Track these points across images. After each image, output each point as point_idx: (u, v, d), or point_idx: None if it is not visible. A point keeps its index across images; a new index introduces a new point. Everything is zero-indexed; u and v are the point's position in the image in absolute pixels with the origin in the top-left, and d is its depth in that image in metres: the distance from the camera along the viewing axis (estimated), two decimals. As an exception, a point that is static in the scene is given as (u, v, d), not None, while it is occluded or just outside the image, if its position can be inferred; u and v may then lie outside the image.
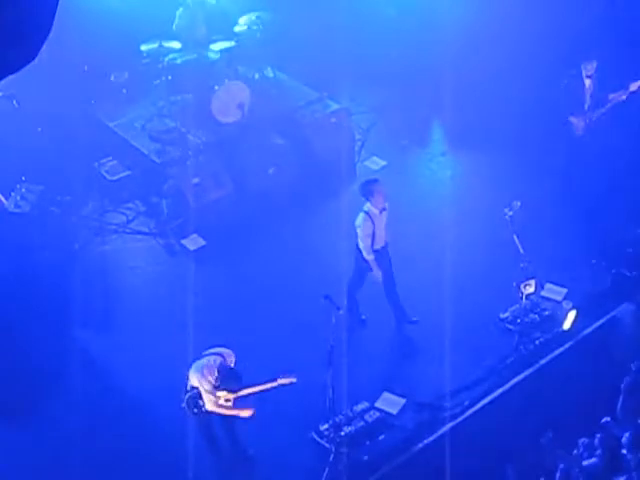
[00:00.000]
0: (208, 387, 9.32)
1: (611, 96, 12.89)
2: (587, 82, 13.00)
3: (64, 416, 10.49)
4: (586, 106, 13.04)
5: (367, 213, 10.99)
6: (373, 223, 10.97)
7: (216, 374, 9.31)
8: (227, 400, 9.39)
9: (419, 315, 11.53)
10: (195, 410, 9.47)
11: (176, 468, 9.75)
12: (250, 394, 9.44)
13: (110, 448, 10.12)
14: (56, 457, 10.07)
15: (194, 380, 9.42)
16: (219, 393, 9.35)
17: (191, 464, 9.64)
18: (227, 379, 9.33)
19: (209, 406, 9.39)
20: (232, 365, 9.49)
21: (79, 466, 9.71)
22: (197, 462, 9.70)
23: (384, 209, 11.13)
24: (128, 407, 10.70)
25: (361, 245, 11.03)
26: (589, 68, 12.91)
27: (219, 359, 9.45)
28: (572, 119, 13.08)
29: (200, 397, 9.41)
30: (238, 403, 9.45)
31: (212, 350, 9.61)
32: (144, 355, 11.26)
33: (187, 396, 9.48)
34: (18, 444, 10.31)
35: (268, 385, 9.39)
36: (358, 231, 11.02)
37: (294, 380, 9.41)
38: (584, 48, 13.37)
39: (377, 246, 11.17)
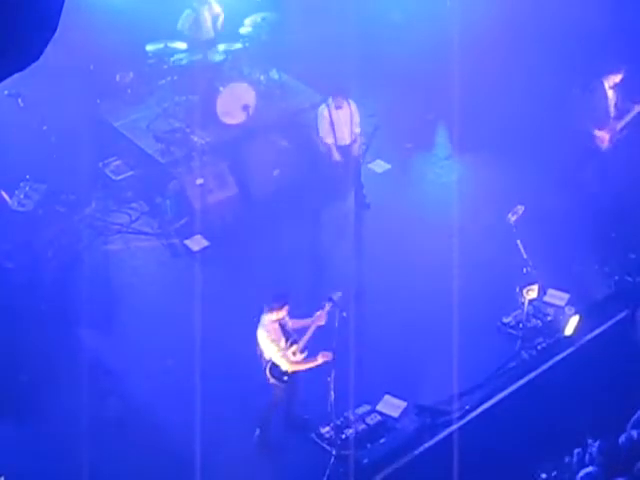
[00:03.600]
0: (279, 350, 9.54)
1: (636, 107, 12.72)
2: (610, 93, 12.79)
3: (66, 415, 10.49)
4: (610, 118, 12.87)
5: (327, 104, 13.13)
6: (329, 112, 13.01)
7: (275, 325, 9.54)
8: (296, 353, 9.61)
9: (421, 317, 11.55)
10: (285, 378, 9.68)
11: (180, 468, 9.76)
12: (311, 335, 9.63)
13: (114, 447, 10.12)
14: (60, 457, 10.06)
15: (265, 352, 9.60)
16: (289, 351, 9.59)
17: (197, 464, 9.65)
18: (276, 300, 9.57)
19: (289, 367, 9.61)
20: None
21: (83, 466, 9.70)
22: (202, 462, 9.70)
23: (339, 107, 13.03)
24: (131, 406, 10.70)
25: (320, 132, 13.14)
26: (612, 79, 12.70)
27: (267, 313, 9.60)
28: (597, 132, 12.87)
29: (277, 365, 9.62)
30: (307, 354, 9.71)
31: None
32: (146, 355, 11.27)
33: (268, 369, 9.68)
34: (22, 443, 10.31)
35: (321, 317, 9.60)
36: (318, 119, 13.17)
37: (340, 294, 9.63)
38: (597, 55, 13.30)
39: (341, 142, 13.15)
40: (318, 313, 9.67)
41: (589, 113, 12.88)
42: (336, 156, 13.13)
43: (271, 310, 9.57)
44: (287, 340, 9.66)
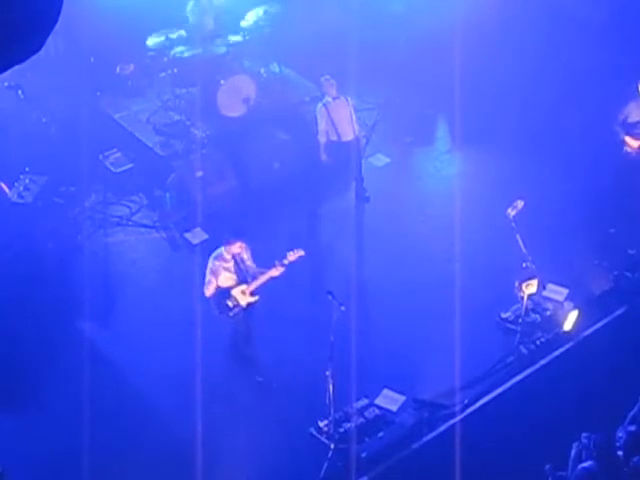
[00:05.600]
0: (230, 287, 10.30)
1: None
2: None
3: (65, 406, 10.51)
4: None
5: (323, 103, 12.95)
6: (327, 111, 12.87)
7: (230, 259, 10.29)
8: (246, 292, 10.34)
9: (419, 311, 11.56)
10: (230, 313, 10.42)
11: (180, 459, 9.78)
12: (264, 282, 10.32)
13: (113, 437, 10.14)
14: (59, 446, 10.08)
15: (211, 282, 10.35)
16: (240, 288, 10.30)
17: (196, 455, 9.65)
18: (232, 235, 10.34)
19: (243, 301, 10.34)
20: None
21: (82, 455, 9.71)
22: (201, 453, 9.71)
23: (337, 97, 12.88)
24: (130, 398, 10.72)
25: (318, 129, 12.96)
26: None
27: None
28: (627, 138, 12.57)
29: (229, 297, 10.32)
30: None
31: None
32: (145, 347, 11.29)
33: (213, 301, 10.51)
34: (21, 433, 10.33)
35: (279, 269, 10.26)
36: (317, 117, 12.99)
37: (302, 253, 10.25)
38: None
39: (345, 138, 13.03)
40: (277, 264, 10.25)
41: (620, 118, 12.66)
42: (323, 156, 13.08)
43: (228, 244, 10.27)
44: (237, 277, 10.29)
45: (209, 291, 10.40)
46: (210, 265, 10.41)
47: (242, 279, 10.35)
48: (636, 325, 11.23)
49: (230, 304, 10.33)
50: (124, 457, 9.98)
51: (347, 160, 13.21)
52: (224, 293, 10.37)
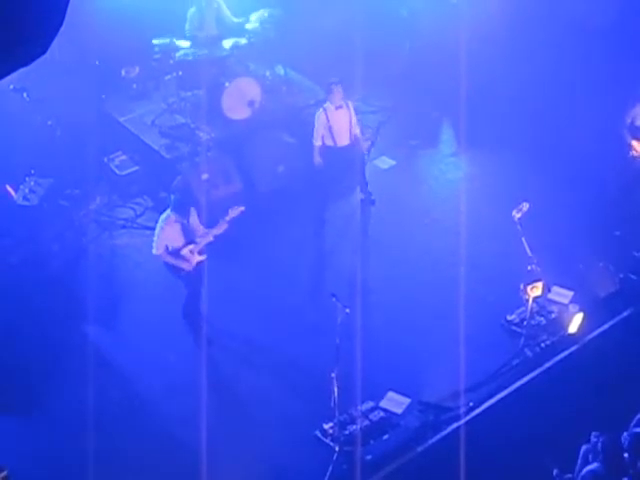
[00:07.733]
0: (179, 247, 10.77)
1: None
2: None
3: (69, 410, 10.52)
4: None
5: (324, 108, 12.96)
6: (327, 117, 12.88)
7: (177, 224, 10.76)
8: (194, 251, 10.80)
9: (424, 314, 11.55)
10: (182, 272, 10.93)
11: (183, 462, 9.78)
12: (209, 240, 10.87)
13: (117, 441, 10.15)
14: (63, 452, 10.09)
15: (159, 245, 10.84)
16: (188, 248, 10.75)
17: (199, 458, 9.65)
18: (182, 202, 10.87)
19: (193, 260, 10.80)
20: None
21: (86, 459, 9.71)
22: (205, 456, 9.71)
23: (339, 106, 12.89)
24: (133, 400, 10.73)
25: (315, 133, 12.98)
26: None
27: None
28: (634, 142, 12.62)
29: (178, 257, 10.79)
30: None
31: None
32: (150, 350, 11.29)
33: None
34: (26, 436, 10.33)
35: (223, 226, 10.81)
36: (315, 121, 13.00)
37: (243, 209, 10.82)
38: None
39: (341, 143, 13.05)
40: (220, 221, 10.79)
41: (627, 122, 12.68)
42: (317, 159, 13.04)
43: (176, 212, 10.76)
44: (185, 238, 10.77)
45: (159, 251, 10.84)
46: (159, 227, 10.88)
47: (189, 239, 10.80)
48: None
49: (182, 265, 10.81)
50: (128, 459, 9.98)
51: (342, 164, 13.18)
52: (174, 253, 10.80)
